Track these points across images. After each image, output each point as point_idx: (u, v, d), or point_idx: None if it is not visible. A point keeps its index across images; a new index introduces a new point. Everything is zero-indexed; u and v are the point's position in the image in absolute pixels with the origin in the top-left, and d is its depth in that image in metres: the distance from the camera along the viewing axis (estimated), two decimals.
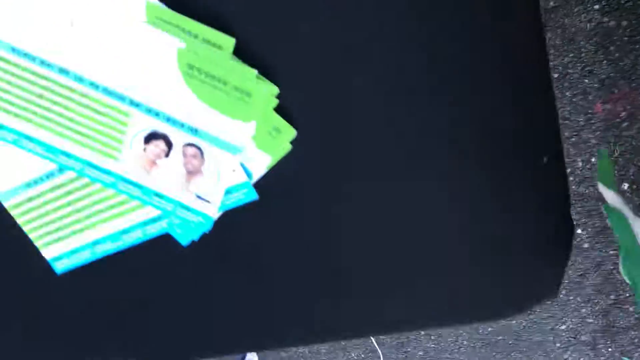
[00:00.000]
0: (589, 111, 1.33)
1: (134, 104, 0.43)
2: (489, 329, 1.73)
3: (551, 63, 1.29)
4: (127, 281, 0.51)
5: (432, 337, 1.81)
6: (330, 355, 1.93)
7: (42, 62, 0.42)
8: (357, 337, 0.52)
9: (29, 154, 0.46)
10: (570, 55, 1.27)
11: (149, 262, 0.50)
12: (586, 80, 1.30)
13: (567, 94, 1.31)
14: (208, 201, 0.46)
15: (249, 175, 0.45)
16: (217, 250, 0.49)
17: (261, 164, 0.45)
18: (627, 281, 0.53)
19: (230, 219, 0.47)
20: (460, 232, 0.46)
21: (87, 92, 0.43)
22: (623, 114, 1.32)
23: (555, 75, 1.28)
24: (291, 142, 0.44)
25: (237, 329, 0.52)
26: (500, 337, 1.73)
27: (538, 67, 0.41)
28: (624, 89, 1.28)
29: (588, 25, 1.24)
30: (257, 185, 0.46)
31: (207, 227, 0.47)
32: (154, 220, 0.48)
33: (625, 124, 1.32)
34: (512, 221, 0.45)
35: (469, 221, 0.45)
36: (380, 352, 1.85)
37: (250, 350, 0.54)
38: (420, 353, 1.84)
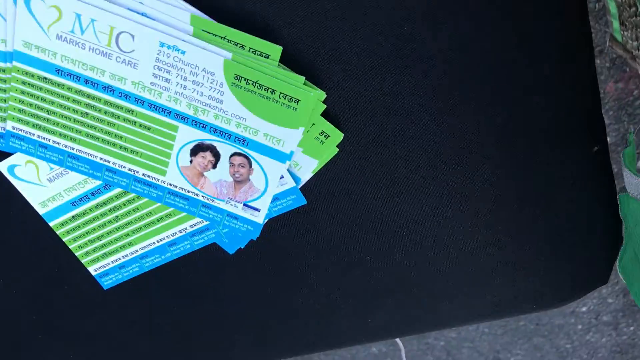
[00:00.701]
0: (601, 92, 1.33)
1: (180, 117, 0.43)
2: None
3: None
4: (173, 290, 0.51)
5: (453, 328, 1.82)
6: (352, 349, 1.94)
7: (87, 81, 0.42)
8: (411, 334, 0.52)
9: (74, 173, 0.47)
10: None
11: (196, 271, 0.50)
12: (597, 61, 1.29)
13: None
14: (256, 209, 0.46)
15: (296, 181, 0.45)
16: (263, 256, 0.49)
17: (308, 168, 0.45)
18: (623, 279, 0.50)
19: (278, 223, 0.47)
20: (510, 224, 0.46)
21: (133, 108, 0.43)
22: (635, 92, 1.32)
23: None
24: (338, 146, 0.44)
25: (290, 333, 0.52)
26: (521, 323, 1.73)
27: (585, 57, 0.41)
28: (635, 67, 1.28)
29: (597, 5, 1.23)
30: (304, 189, 0.46)
31: (255, 235, 0.48)
32: (201, 230, 0.48)
33: (638, 102, 1.32)
34: (563, 210, 0.45)
35: (517, 213, 0.45)
36: (401, 344, 1.85)
37: (301, 354, 0.54)
38: (442, 343, 1.84)
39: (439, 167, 0.44)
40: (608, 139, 1.34)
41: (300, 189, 0.46)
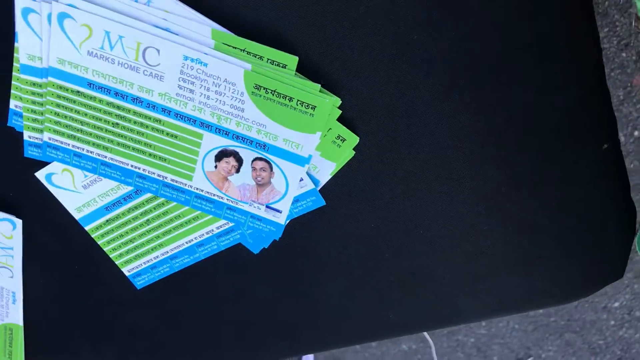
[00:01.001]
0: (628, 85, 1.32)
1: (205, 125, 0.45)
2: (540, 311, 1.72)
3: None
4: (202, 289, 0.54)
5: (483, 324, 1.82)
6: (382, 347, 1.95)
7: (117, 93, 0.45)
8: (432, 329, 0.54)
9: (107, 180, 0.49)
10: (605, 29, 1.26)
11: (223, 270, 0.53)
12: (623, 54, 1.28)
13: (605, 69, 1.30)
14: (278, 210, 0.48)
15: (315, 183, 0.47)
16: (286, 255, 0.51)
17: (326, 171, 0.47)
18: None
19: (299, 224, 0.49)
20: (526, 222, 0.48)
21: (160, 117, 0.45)
22: None
23: None
24: (354, 148, 0.46)
25: (313, 330, 0.55)
26: (552, 319, 1.73)
27: (592, 55, 0.42)
28: None
29: None
30: (323, 191, 0.48)
31: (277, 235, 0.50)
32: (227, 232, 0.51)
33: None
34: (576, 207, 0.46)
35: (534, 210, 0.47)
36: (431, 341, 1.86)
37: (323, 349, 0.56)
38: (472, 340, 1.85)
39: (451, 166, 0.46)
40: (635, 133, 1.33)
41: (319, 190, 0.48)
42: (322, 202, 0.48)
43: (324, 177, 0.47)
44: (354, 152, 0.46)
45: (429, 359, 1.89)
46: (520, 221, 0.47)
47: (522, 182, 0.46)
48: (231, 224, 0.50)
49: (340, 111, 0.44)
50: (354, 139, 0.45)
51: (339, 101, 0.44)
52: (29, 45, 0.44)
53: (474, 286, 0.51)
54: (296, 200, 0.48)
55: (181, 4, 0.42)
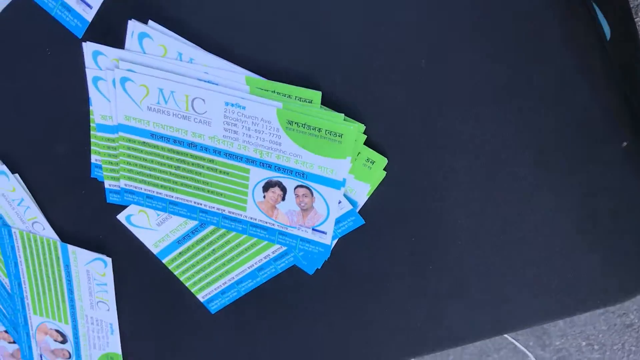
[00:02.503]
0: None
1: (250, 160, 0.51)
2: None
3: None
4: (268, 310, 0.59)
5: (596, 347, 1.73)
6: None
7: (175, 141, 0.52)
8: (486, 338, 0.55)
9: (176, 217, 0.57)
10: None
11: (284, 291, 0.58)
12: None
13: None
14: (324, 232, 0.53)
15: (353, 204, 0.52)
16: (338, 274, 0.55)
17: (362, 192, 0.51)
18: None
19: (341, 243, 0.54)
20: (563, 226, 0.49)
21: (212, 158, 0.52)
22: None
23: None
24: (385, 169, 0.50)
25: (371, 343, 0.58)
26: None
27: (597, 51, 0.44)
28: None
29: None
30: (362, 212, 0.52)
31: (326, 255, 0.54)
32: (282, 255, 0.56)
33: None
34: (605, 212, 0.47)
35: (570, 214, 0.48)
36: (532, 358, 1.79)
37: None
38: None
39: (478, 173, 0.48)
40: None
41: (358, 211, 0.52)
42: (362, 222, 0.52)
43: (361, 198, 0.52)
44: (385, 173, 0.50)
45: None
46: (553, 225, 0.49)
47: (547, 187, 0.47)
48: (284, 248, 0.55)
49: (366, 136, 0.48)
50: (382, 161, 0.49)
51: (363, 127, 0.48)
52: (101, 107, 0.53)
53: (520, 293, 0.52)
54: (338, 221, 0.53)
55: (218, 58, 0.49)
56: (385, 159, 0.49)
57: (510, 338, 1.80)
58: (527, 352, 1.81)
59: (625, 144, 0.44)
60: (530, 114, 0.46)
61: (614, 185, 0.46)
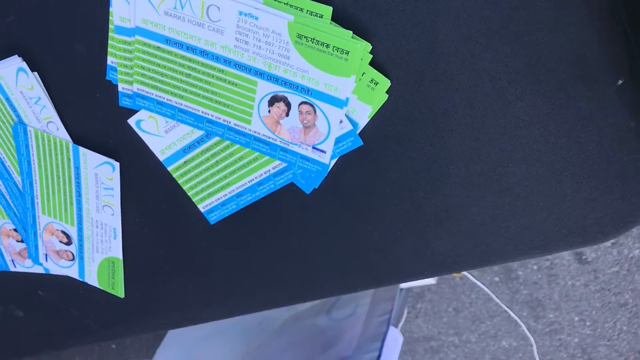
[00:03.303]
0: None
1: (258, 73, 0.53)
2: None
3: None
4: (264, 226, 0.62)
5: (588, 324, 1.75)
6: (482, 343, 1.93)
7: (188, 48, 0.54)
8: (470, 269, 0.57)
9: (183, 125, 0.59)
10: None
11: (281, 208, 0.60)
12: None
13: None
14: (323, 151, 0.55)
15: (354, 125, 0.53)
16: (333, 194, 0.57)
17: (363, 114, 0.53)
18: None
19: (339, 164, 0.56)
20: (549, 160, 0.50)
21: (222, 68, 0.54)
22: None
23: None
24: (387, 92, 0.51)
25: (360, 264, 0.60)
26: None
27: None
28: None
29: None
30: (362, 134, 0.54)
31: (324, 174, 0.56)
32: (281, 172, 0.58)
33: None
34: (594, 152, 0.49)
35: (555, 148, 0.50)
36: (532, 339, 1.82)
37: (370, 287, 0.62)
38: (576, 340, 1.78)
39: (475, 105, 0.50)
40: None
41: (358, 133, 0.54)
42: (360, 142, 0.54)
43: (362, 120, 0.53)
44: (387, 95, 0.52)
45: (530, 357, 1.85)
46: (543, 158, 0.50)
47: (541, 120, 0.49)
48: (284, 165, 0.57)
49: (372, 55, 0.50)
50: (386, 82, 0.51)
51: (369, 46, 0.49)
52: (121, 9, 0.54)
53: (505, 225, 0.54)
54: (337, 141, 0.54)
55: None
56: (389, 81, 0.51)
57: (504, 306, 1.82)
58: (520, 321, 1.84)
59: (620, 81, 0.45)
60: (531, 44, 0.47)
61: (604, 122, 0.47)
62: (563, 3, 0.44)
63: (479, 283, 1.74)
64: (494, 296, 1.77)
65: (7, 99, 0.63)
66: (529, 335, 1.83)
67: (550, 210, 0.52)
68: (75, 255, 0.73)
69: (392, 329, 1.22)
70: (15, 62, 0.61)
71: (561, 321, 1.78)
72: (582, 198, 0.50)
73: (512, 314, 1.80)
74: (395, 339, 1.28)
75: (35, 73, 0.61)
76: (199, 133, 0.59)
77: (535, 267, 1.68)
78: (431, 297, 1.84)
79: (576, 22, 0.44)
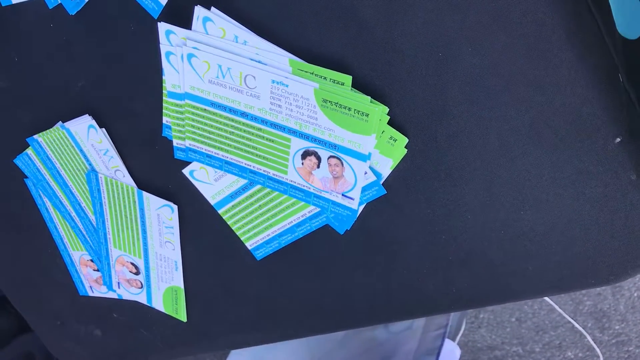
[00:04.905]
0: None
1: (292, 131, 0.59)
2: None
3: None
4: (305, 261, 0.68)
5: None
6: (546, 353, 1.92)
7: (230, 110, 0.61)
8: (493, 304, 0.61)
9: (230, 175, 0.66)
10: None
11: (318, 247, 0.66)
12: None
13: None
14: (351, 198, 0.61)
15: (378, 176, 0.59)
16: (364, 235, 0.63)
17: (386, 166, 0.58)
18: None
19: (368, 210, 0.61)
20: (569, 210, 0.54)
21: (260, 127, 0.61)
22: None
23: None
24: (406, 147, 0.56)
25: (390, 299, 0.66)
26: None
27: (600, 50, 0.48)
28: None
29: None
30: (385, 183, 0.59)
31: (353, 218, 0.62)
32: (316, 215, 0.64)
33: None
34: (595, 204, 0.52)
35: (574, 198, 0.53)
36: (599, 350, 1.79)
37: (400, 319, 0.67)
38: None
39: (486, 160, 0.54)
40: None
41: (382, 183, 0.59)
42: (384, 191, 0.60)
43: (385, 171, 0.59)
44: (406, 150, 0.57)
45: None
46: (552, 207, 0.54)
47: (548, 172, 0.52)
48: (318, 209, 0.64)
49: (389, 117, 0.55)
50: (403, 139, 0.56)
51: (386, 109, 0.55)
52: (172, 77, 0.62)
53: (523, 267, 0.58)
54: (364, 189, 0.60)
55: (267, 42, 0.56)
56: (406, 138, 0.56)
57: (568, 317, 1.81)
58: (585, 332, 1.82)
59: (619, 139, 0.48)
60: (533, 104, 0.51)
61: (606, 175, 0.50)
62: (559, 65, 0.48)
63: None
64: (557, 307, 1.76)
65: (81, 151, 0.73)
66: (595, 346, 1.80)
67: (562, 254, 0.55)
68: (143, 283, 0.82)
69: (448, 342, 1.25)
70: (86, 120, 0.70)
71: (628, 332, 1.75)
72: (591, 244, 0.54)
73: (576, 325, 1.78)
74: (451, 351, 1.31)
75: (103, 129, 0.70)
76: (243, 181, 0.66)
77: None
78: (493, 308, 1.85)
79: (573, 83, 0.48)
